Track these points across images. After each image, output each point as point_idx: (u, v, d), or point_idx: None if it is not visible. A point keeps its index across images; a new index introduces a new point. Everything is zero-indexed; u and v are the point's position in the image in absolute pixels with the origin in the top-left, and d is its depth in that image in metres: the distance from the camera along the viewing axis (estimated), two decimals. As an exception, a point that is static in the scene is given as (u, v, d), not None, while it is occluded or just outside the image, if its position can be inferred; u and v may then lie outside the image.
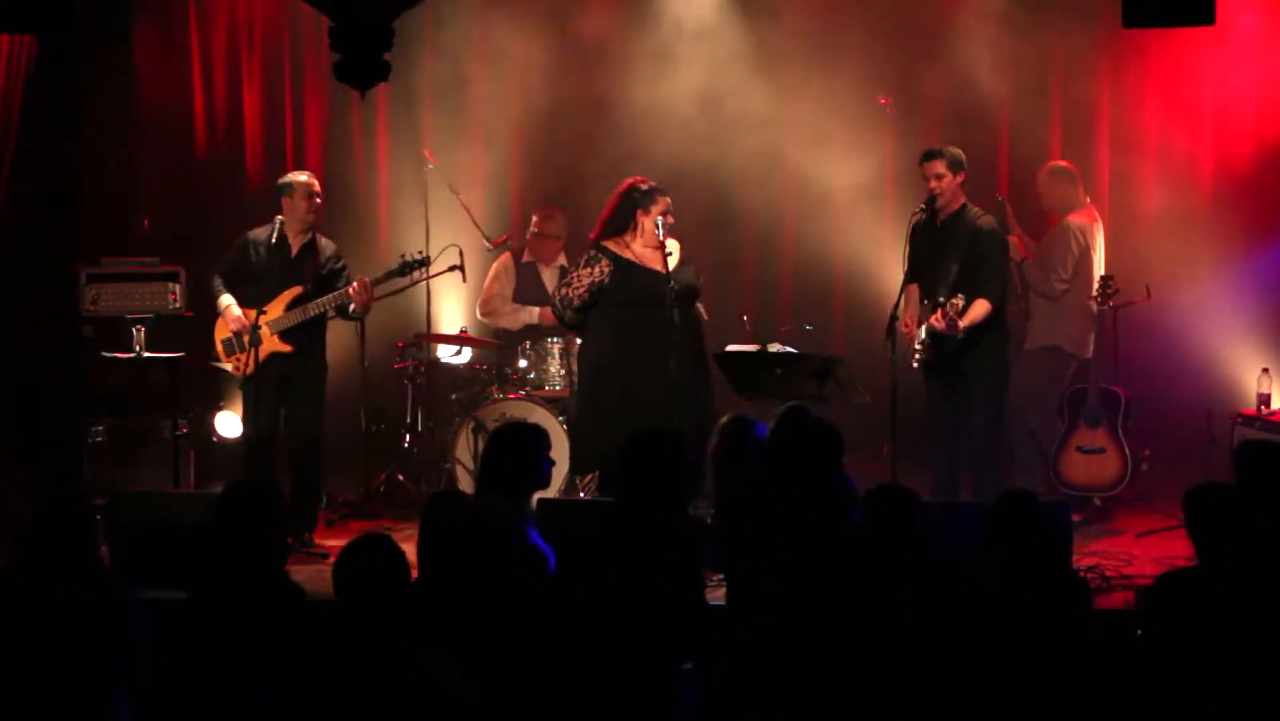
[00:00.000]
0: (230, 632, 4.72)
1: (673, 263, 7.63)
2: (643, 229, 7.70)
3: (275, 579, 4.90)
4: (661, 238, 7.67)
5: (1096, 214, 8.87)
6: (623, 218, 7.74)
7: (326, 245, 8.19)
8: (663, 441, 5.39)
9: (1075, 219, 8.74)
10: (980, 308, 7.39)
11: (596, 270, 7.73)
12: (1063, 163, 9.02)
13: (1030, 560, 4.79)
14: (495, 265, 9.48)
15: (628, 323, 7.74)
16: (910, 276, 7.67)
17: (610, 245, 7.75)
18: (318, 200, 8.09)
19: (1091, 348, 8.64)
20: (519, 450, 5.82)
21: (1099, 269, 8.67)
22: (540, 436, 5.89)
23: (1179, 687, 4.62)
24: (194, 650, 4.76)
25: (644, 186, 7.75)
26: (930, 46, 9.40)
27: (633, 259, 7.68)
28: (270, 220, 8.03)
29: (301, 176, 8.15)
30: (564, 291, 7.84)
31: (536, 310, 9.21)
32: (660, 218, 7.68)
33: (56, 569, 4.81)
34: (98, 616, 4.79)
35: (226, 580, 4.87)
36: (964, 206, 7.66)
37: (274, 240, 7.99)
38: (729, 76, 9.42)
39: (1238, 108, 9.45)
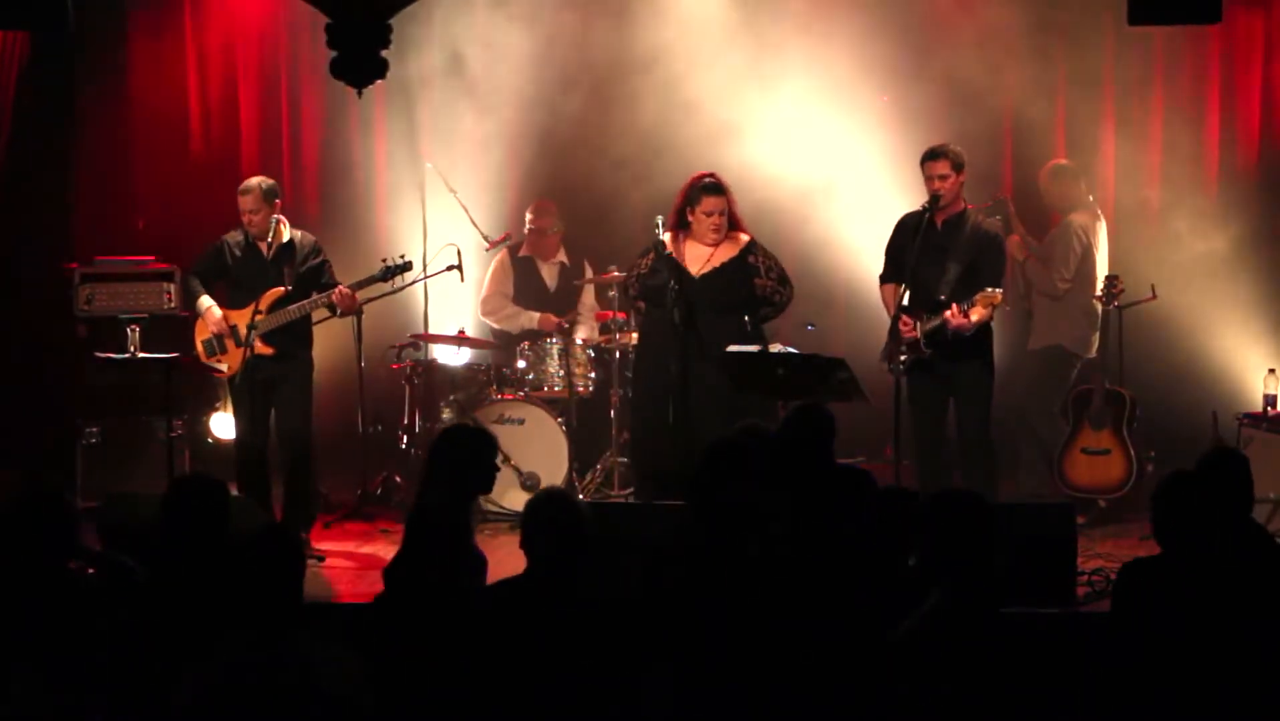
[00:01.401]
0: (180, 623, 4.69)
1: (709, 265, 7.62)
2: (693, 227, 7.65)
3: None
4: (661, 236, 7.61)
5: (1099, 212, 8.84)
6: (680, 213, 7.69)
7: (304, 240, 8.07)
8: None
9: (1078, 218, 8.73)
10: (988, 309, 7.32)
11: (644, 262, 7.75)
12: (1064, 161, 8.98)
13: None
14: (494, 264, 9.43)
15: (652, 319, 7.75)
16: (895, 276, 7.61)
17: (668, 237, 7.69)
18: (246, 215, 7.90)
19: (1094, 347, 8.60)
20: (465, 452, 5.69)
21: (1102, 268, 8.65)
22: (487, 441, 5.74)
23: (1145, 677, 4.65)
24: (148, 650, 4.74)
25: (699, 183, 7.68)
26: (933, 44, 9.33)
27: (675, 255, 7.61)
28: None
29: (251, 183, 7.99)
30: (623, 280, 7.93)
31: (537, 316, 9.18)
32: (661, 217, 7.65)
33: (29, 567, 4.77)
34: (71, 614, 4.75)
35: (172, 573, 4.85)
36: (965, 209, 7.60)
37: (247, 243, 7.96)
38: (730, 72, 9.34)
39: (1244, 106, 9.37)
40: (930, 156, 7.49)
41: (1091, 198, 8.86)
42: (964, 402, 7.58)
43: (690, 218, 7.64)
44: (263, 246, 7.94)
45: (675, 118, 9.25)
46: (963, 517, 4.52)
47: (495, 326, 9.40)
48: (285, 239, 7.96)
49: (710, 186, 7.63)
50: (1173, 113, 9.39)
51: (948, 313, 7.30)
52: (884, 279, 7.79)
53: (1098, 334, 8.54)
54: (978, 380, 7.54)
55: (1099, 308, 8.47)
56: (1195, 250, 9.07)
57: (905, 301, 7.43)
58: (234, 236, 8.05)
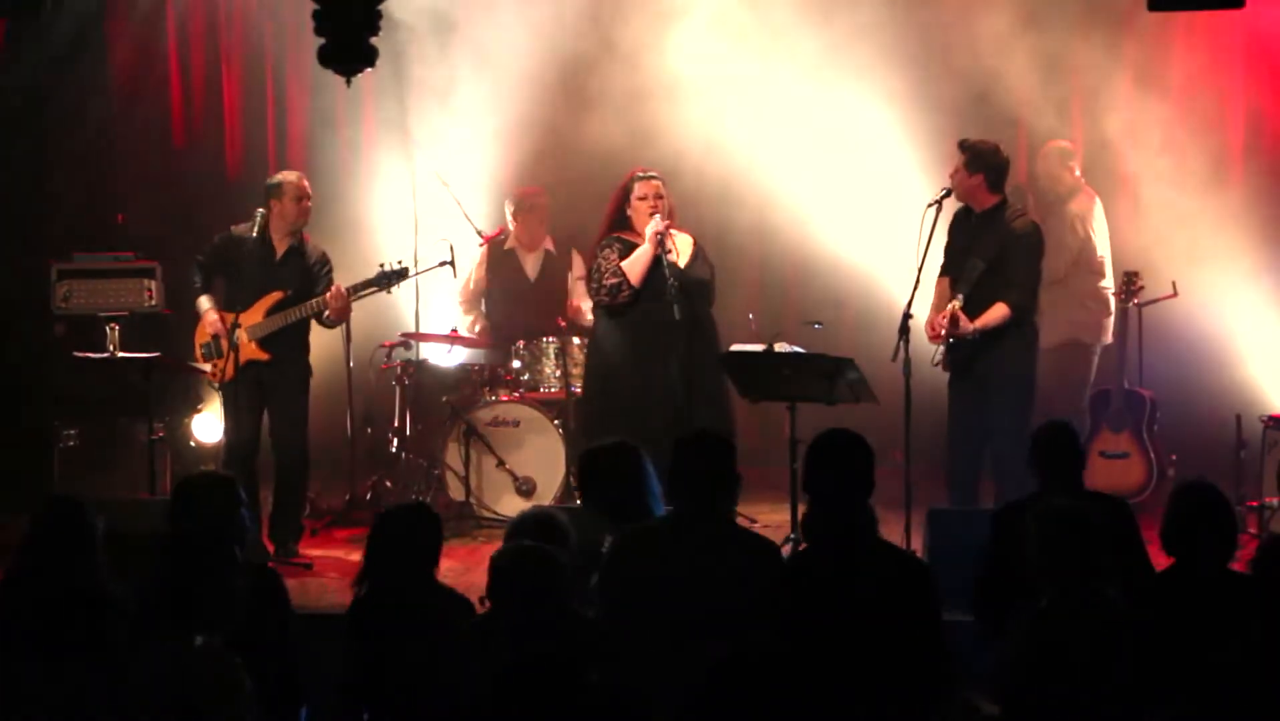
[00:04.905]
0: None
1: (683, 257, 7.49)
2: (633, 220, 7.58)
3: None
4: (663, 229, 7.48)
5: (1093, 192, 8.74)
6: (619, 210, 7.65)
7: (314, 249, 7.95)
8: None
9: (1074, 206, 8.66)
10: (998, 311, 7.12)
11: (614, 253, 7.51)
12: (1062, 143, 8.88)
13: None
14: (479, 256, 9.21)
15: (628, 318, 7.55)
16: (942, 269, 7.49)
17: (622, 234, 7.61)
18: (307, 203, 7.85)
19: (1109, 331, 8.54)
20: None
21: (1104, 250, 8.56)
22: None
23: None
24: None
25: (638, 174, 7.68)
26: (946, 33, 9.21)
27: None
28: (251, 215, 7.77)
29: (291, 176, 7.92)
30: (603, 283, 7.61)
31: (476, 333, 9.01)
32: (658, 215, 7.52)
33: (54, 579, 4.74)
34: (92, 626, 4.65)
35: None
36: (1001, 204, 7.38)
37: (258, 240, 7.74)
38: (735, 64, 9.22)
39: (1269, 97, 9.25)
40: (958, 147, 7.39)
41: (1083, 180, 8.72)
42: (996, 406, 7.31)
43: (629, 211, 7.62)
44: (277, 246, 7.78)
45: (677, 109, 9.10)
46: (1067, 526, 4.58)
47: (462, 317, 9.16)
48: (296, 242, 7.86)
49: (648, 174, 7.68)
50: (1194, 104, 9.25)
51: (939, 316, 7.20)
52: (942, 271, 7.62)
53: (1111, 318, 8.45)
54: (1016, 384, 7.29)
55: (1108, 294, 8.41)
56: (1218, 246, 8.92)
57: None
58: (242, 231, 7.86)
